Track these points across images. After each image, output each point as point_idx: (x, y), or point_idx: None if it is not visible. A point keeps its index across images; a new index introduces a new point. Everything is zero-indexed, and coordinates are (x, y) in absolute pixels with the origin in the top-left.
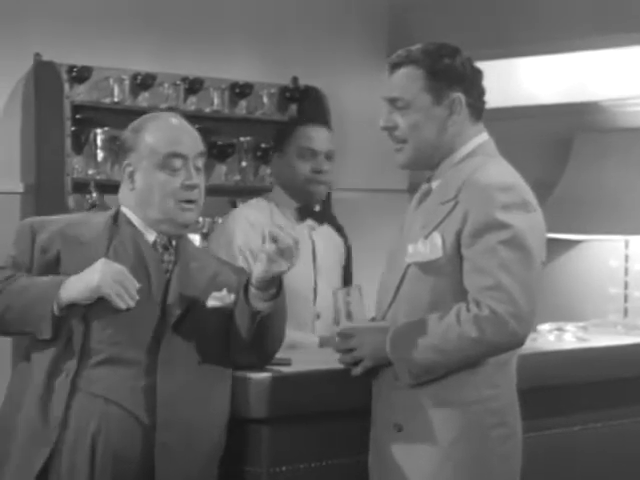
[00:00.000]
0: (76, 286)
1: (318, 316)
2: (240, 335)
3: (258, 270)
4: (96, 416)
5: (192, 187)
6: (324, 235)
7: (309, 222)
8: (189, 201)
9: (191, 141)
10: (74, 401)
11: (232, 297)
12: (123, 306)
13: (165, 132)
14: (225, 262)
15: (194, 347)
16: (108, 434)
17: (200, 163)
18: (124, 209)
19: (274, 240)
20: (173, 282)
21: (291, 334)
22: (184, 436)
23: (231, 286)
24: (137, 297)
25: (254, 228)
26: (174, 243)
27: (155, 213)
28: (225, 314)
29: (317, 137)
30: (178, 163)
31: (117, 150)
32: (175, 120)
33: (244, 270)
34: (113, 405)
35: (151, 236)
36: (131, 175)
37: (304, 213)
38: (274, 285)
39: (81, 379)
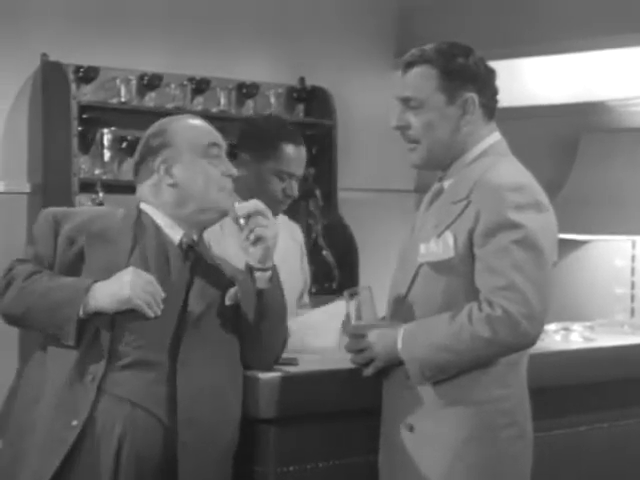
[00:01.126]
0: (105, 296)
1: None
2: (248, 324)
3: (257, 251)
4: (121, 419)
5: (232, 176)
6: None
7: None
8: (227, 189)
9: (217, 134)
10: (99, 403)
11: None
12: (152, 315)
13: (199, 126)
14: (236, 267)
15: (212, 346)
16: (134, 436)
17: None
18: (146, 207)
19: (247, 216)
20: (195, 282)
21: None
22: (203, 434)
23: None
24: (162, 306)
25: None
26: (196, 237)
27: (197, 203)
28: (236, 311)
29: (298, 159)
30: (215, 151)
31: (142, 154)
32: (194, 117)
33: None
34: (139, 408)
35: (177, 235)
36: (168, 170)
37: None
38: (270, 265)
39: (107, 382)
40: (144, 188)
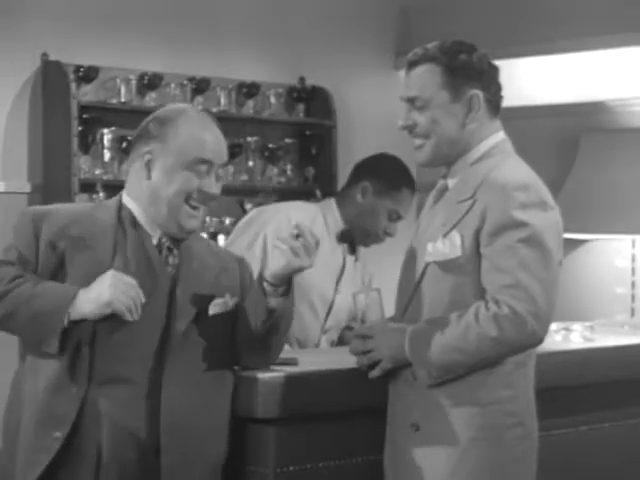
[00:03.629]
0: (86, 302)
1: (325, 332)
2: (249, 331)
3: (278, 265)
4: (103, 434)
5: (209, 197)
6: (353, 263)
7: (345, 246)
8: (196, 207)
9: (220, 150)
10: (81, 417)
11: (234, 300)
12: (131, 319)
13: (199, 134)
14: (224, 254)
15: (199, 357)
16: (113, 453)
17: (221, 172)
18: (128, 202)
19: (298, 236)
20: (178, 290)
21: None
22: (187, 451)
23: (234, 285)
24: (140, 311)
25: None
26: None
27: (163, 208)
28: (228, 317)
29: (409, 206)
30: (203, 168)
31: (140, 134)
32: (208, 122)
33: (243, 259)
34: (119, 425)
35: (155, 235)
36: (148, 164)
37: (346, 237)
38: (285, 282)
39: (89, 397)
40: (131, 172)
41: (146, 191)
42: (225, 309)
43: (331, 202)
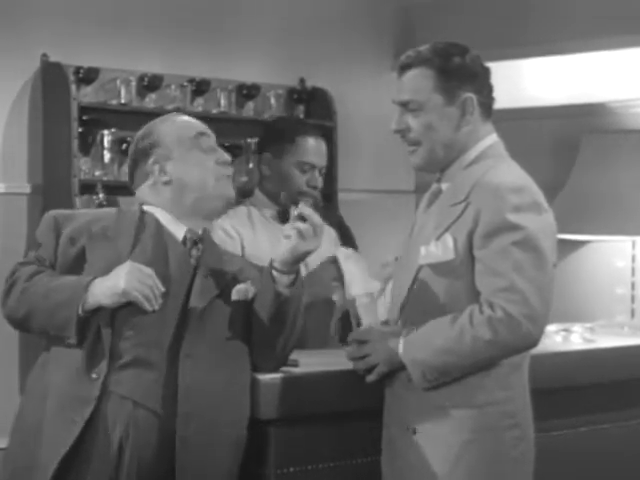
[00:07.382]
0: (102, 290)
1: None
2: (260, 322)
3: (285, 248)
4: (124, 418)
5: (226, 163)
6: None
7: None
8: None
9: (200, 123)
10: (103, 402)
11: (253, 291)
12: (150, 309)
13: (183, 120)
14: (248, 260)
15: (218, 341)
16: (135, 437)
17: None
18: (148, 208)
19: (302, 219)
20: (198, 277)
21: None
22: (203, 430)
23: (254, 280)
24: (161, 300)
25: (233, 240)
26: (201, 232)
27: (196, 193)
28: (247, 307)
29: (316, 150)
30: (206, 142)
31: (134, 159)
32: (183, 115)
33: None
34: (140, 408)
35: (180, 232)
36: (162, 169)
37: (284, 216)
38: (294, 270)
39: (110, 381)
40: (143, 190)
41: (171, 193)
42: (245, 297)
43: (257, 193)
